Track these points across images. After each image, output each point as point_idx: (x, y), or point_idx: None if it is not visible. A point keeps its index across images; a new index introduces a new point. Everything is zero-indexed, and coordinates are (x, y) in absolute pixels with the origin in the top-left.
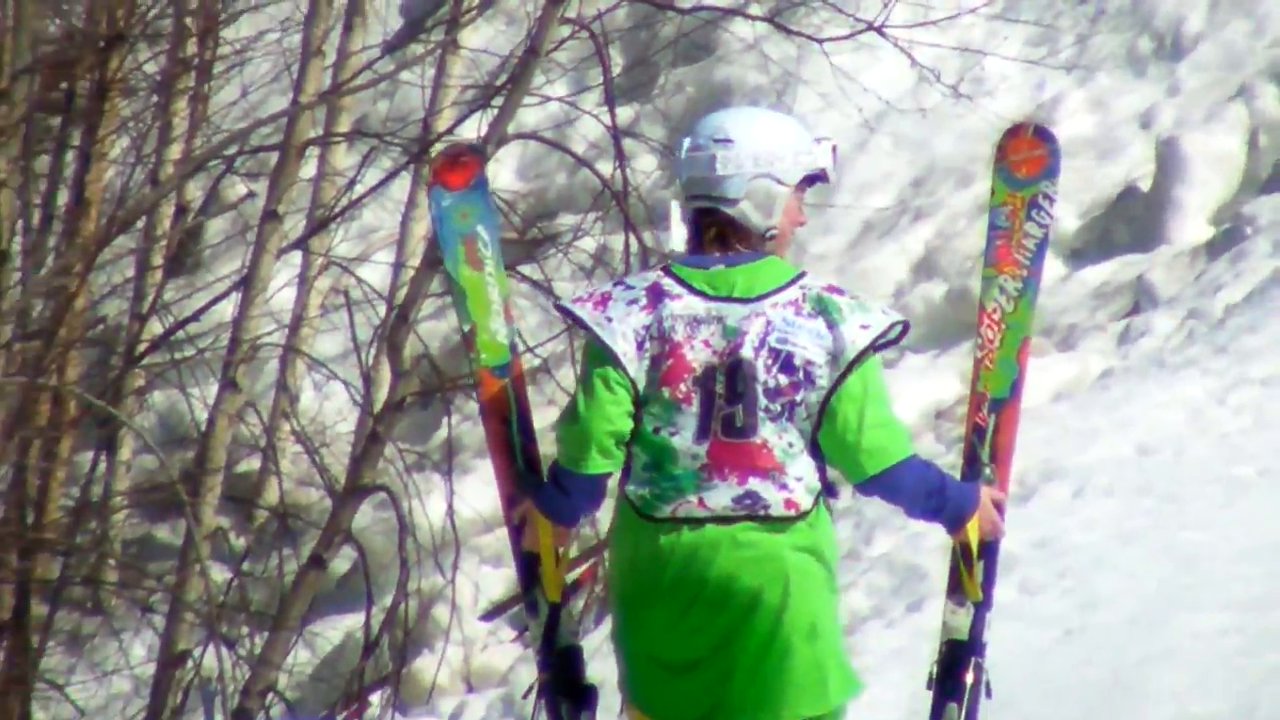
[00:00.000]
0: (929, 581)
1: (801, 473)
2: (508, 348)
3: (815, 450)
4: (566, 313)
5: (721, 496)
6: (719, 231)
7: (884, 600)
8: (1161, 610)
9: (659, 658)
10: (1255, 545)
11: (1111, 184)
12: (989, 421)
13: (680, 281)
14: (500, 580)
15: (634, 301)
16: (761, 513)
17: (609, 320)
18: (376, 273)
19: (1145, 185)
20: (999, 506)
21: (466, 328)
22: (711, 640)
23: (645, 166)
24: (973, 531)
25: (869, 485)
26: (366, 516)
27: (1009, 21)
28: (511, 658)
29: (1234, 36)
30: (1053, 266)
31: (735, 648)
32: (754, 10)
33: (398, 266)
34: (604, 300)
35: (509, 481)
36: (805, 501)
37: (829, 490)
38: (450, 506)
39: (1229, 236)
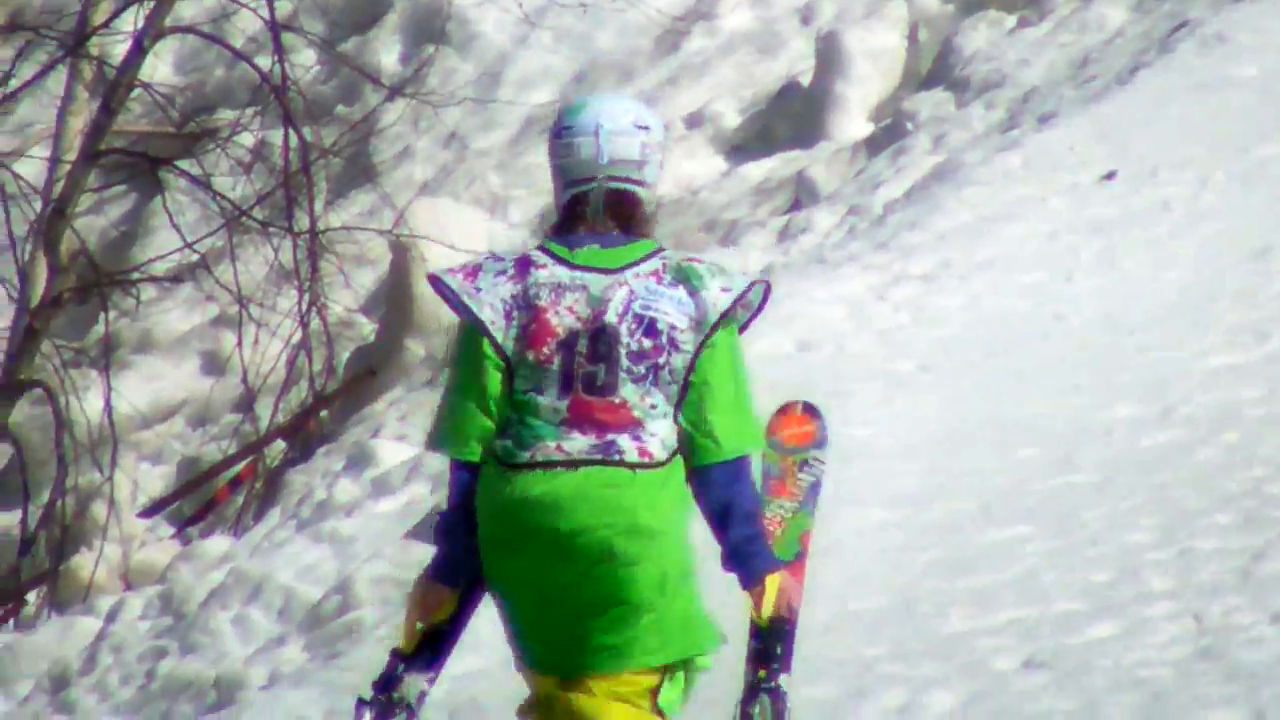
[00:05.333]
0: None
1: (658, 430)
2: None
3: (678, 416)
4: (436, 282)
5: (579, 444)
6: (622, 210)
7: None
8: (822, 506)
9: (522, 607)
10: (915, 440)
11: (772, 79)
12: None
13: (548, 253)
14: (159, 477)
15: (502, 272)
16: (616, 458)
17: (477, 290)
18: (33, 168)
19: (805, 81)
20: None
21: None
22: (564, 589)
23: (304, 61)
24: (771, 586)
25: (720, 467)
26: (23, 412)
27: None
28: (169, 554)
29: None
30: (713, 162)
31: (585, 598)
32: None
33: (54, 161)
34: (474, 271)
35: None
36: (660, 453)
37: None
38: (108, 402)
39: (889, 133)
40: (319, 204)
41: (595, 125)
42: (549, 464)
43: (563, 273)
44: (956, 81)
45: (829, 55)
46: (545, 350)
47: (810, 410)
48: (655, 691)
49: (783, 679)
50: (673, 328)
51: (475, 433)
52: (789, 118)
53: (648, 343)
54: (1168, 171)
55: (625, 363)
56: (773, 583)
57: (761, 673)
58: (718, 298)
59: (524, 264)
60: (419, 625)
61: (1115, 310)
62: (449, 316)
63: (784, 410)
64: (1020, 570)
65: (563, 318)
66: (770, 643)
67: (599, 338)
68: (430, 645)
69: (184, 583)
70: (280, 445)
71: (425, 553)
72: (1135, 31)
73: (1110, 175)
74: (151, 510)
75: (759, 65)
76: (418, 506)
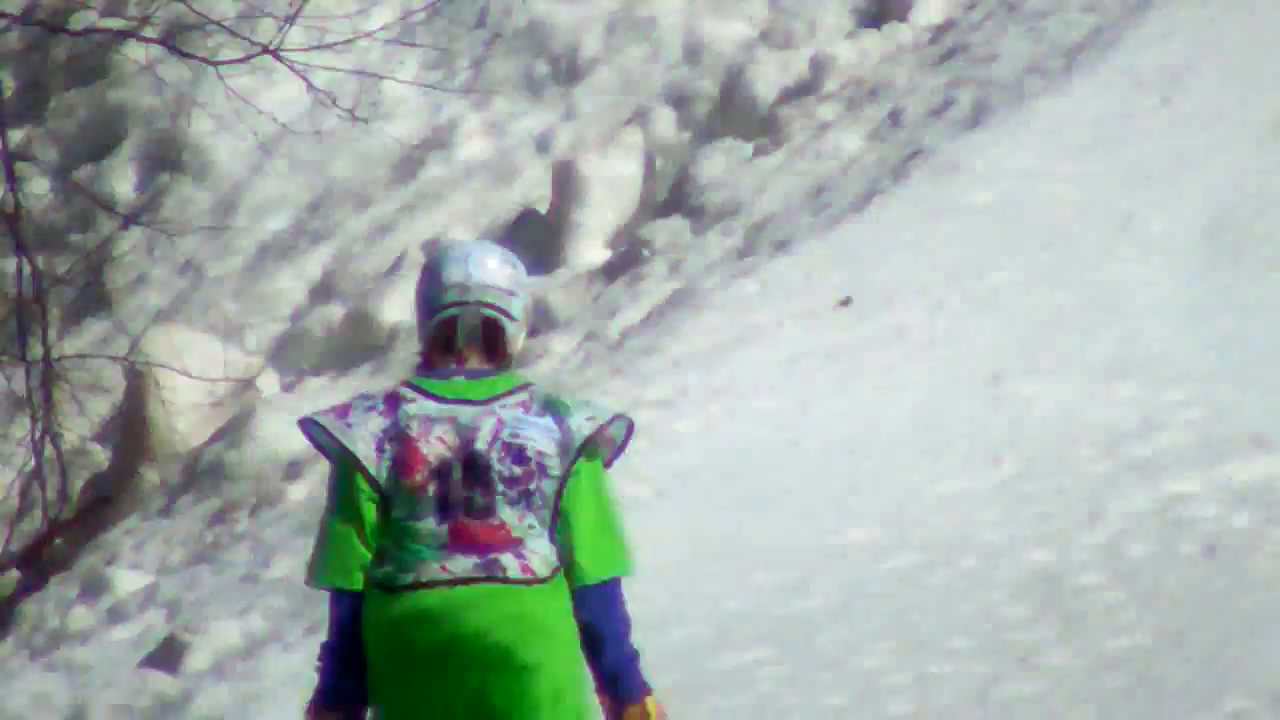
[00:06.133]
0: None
1: (539, 548)
2: None
3: (554, 539)
4: (308, 422)
5: (463, 564)
6: (487, 338)
7: (282, 623)
8: None
9: None
10: (651, 566)
11: (509, 207)
12: None
13: (415, 388)
14: None
15: (372, 408)
16: (500, 575)
17: (349, 426)
18: None
19: (542, 208)
20: None
21: None
22: (464, 699)
23: (38, 189)
24: (651, 707)
25: (589, 592)
26: None
27: (405, 45)
28: None
29: (630, 61)
30: None
31: (485, 706)
32: (148, 33)
33: None
34: (344, 410)
35: None
36: (541, 570)
37: None
38: None
39: (626, 259)
40: (52, 332)
41: (466, 254)
42: (434, 583)
43: (431, 406)
44: (693, 209)
45: (565, 183)
46: (418, 477)
47: None
48: None
49: None
50: (540, 454)
51: (356, 563)
52: (526, 245)
53: (518, 469)
54: (903, 298)
55: (500, 486)
56: (652, 703)
57: None
58: (582, 425)
59: (393, 399)
60: None
61: (851, 436)
62: (184, 443)
63: None
64: (757, 695)
65: (433, 446)
66: None
67: (471, 464)
68: None
69: None
70: (14, 574)
71: (159, 680)
72: (870, 159)
73: (846, 301)
74: None
75: (495, 193)
76: (153, 634)
